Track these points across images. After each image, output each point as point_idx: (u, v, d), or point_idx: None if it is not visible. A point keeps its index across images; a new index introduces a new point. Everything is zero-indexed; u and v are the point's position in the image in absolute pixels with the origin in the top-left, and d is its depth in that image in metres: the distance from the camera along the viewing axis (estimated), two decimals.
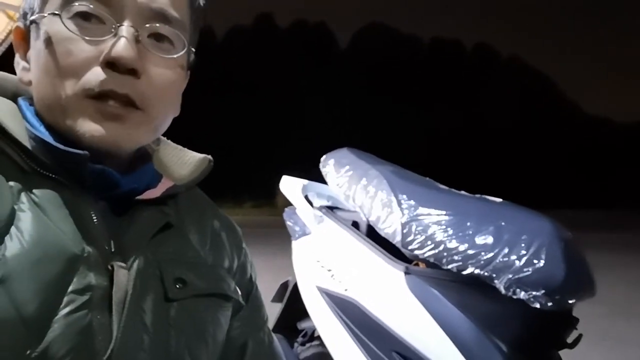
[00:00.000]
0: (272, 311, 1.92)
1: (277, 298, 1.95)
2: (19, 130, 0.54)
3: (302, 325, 1.85)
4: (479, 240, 1.24)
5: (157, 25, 0.56)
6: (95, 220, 0.53)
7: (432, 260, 1.30)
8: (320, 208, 1.72)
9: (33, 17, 0.56)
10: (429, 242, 1.30)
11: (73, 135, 0.54)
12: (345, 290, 1.46)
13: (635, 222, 17.77)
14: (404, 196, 1.43)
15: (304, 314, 1.68)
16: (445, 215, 1.33)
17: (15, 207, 0.49)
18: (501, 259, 1.19)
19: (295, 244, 1.73)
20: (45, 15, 0.54)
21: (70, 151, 0.52)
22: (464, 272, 1.23)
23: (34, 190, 0.51)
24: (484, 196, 1.49)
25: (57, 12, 0.53)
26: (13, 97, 0.61)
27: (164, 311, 0.54)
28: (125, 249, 0.53)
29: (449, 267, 1.26)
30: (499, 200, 1.45)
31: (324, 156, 1.78)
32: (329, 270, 1.53)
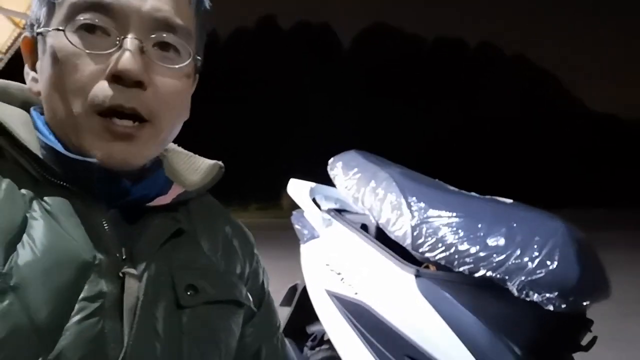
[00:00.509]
0: (281, 315, 1.91)
1: (286, 302, 1.94)
2: (30, 139, 0.55)
3: (312, 329, 1.84)
4: (491, 242, 1.23)
5: (163, 35, 0.56)
6: (106, 227, 0.53)
7: (443, 262, 1.29)
8: (329, 211, 1.71)
9: (39, 30, 0.56)
10: (440, 245, 1.29)
11: (83, 152, 0.54)
12: (355, 293, 1.45)
13: None
14: (414, 198, 1.42)
15: (313, 318, 1.67)
16: (455, 217, 1.32)
17: (28, 215, 0.50)
18: (513, 261, 1.18)
19: (303, 248, 1.73)
20: (50, 29, 0.54)
21: (80, 159, 0.53)
22: (476, 275, 1.22)
23: (45, 199, 0.51)
24: (494, 197, 1.48)
25: (61, 28, 0.53)
26: (24, 106, 0.61)
27: (176, 318, 0.54)
28: (136, 256, 0.53)
29: (461, 269, 1.25)
30: (509, 201, 1.44)
31: (332, 159, 1.77)
32: (339, 274, 1.53)
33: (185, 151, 0.70)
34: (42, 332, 0.45)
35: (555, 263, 1.16)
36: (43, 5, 0.56)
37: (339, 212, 1.70)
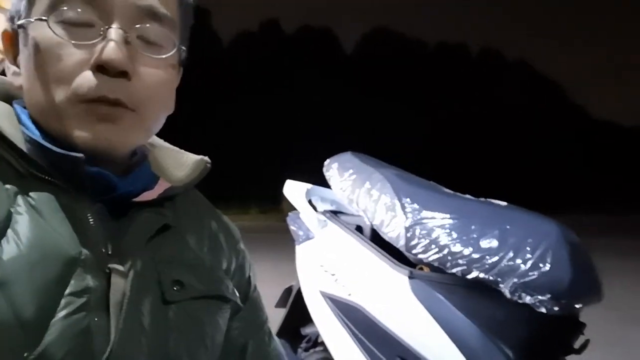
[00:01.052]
0: (276, 317, 1.91)
1: (281, 303, 1.94)
2: (14, 133, 0.54)
3: (306, 330, 1.84)
4: (484, 243, 1.23)
5: (147, 26, 0.55)
6: (92, 222, 0.52)
7: (436, 264, 1.29)
8: (324, 212, 1.71)
9: (20, 22, 0.56)
10: (433, 246, 1.29)
11: (67, 139, 0.54)
12: (349, 294, 1.45)
13: None
14: (408, 199, 1.42)
15: (307, 319, 1.67)
16: (449, 218, 1.32)
17: (12, 210, 0.49)
18: (506, 263, 1.18)
19: (298, 249, 1.73)
20: (32, 20, 0.54)
21: (65, 154, 0.52)
22: (469, 276, 1.22)
23: (30, 194, 0.51)
24: (489, 200, 1.48)
25: (44, 18, 0.53)
26: (6, 99, 0.61)
27: (162, 313, 0.54)
28: (122, 252, 0.53)
29: (454, 271, 1.25)
30: (504, 203, 1.44)
31: (328, 160, 1.78)
32: (333, 275, 1.52)
33: (171, 146, 0.70)
34: (27, 327, 0.45)
35: (548, 265, 1.16)
36: None
37: (335, 214, 1.70)
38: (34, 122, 0.57)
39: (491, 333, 1.19)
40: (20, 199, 0.50)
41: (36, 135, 0.55)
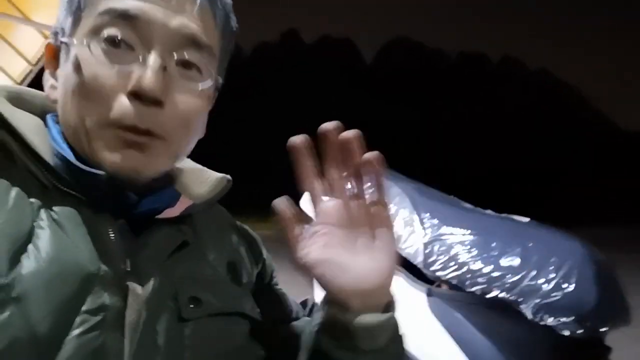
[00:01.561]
0: None
1: None
2: (42, 146, 0.55)
3: None
4: (505, 261, 1.20)
5: (187, 53, 0.56)
6: (112, 238, 0.53)
7: (455, 282, 1.26)
8: None
9: (64, 40, 0.57)
10: (452, 263, 1.26)
11: (94, 159, 0.54)
12: None
13: None
14: (427, 215, 1.40)
15: None
16: (469, 235, 1.29)
17: (35, 224, 0.50)
18: (528, 282, 1.15)
19: None
20: (75, 42, 0.55)
21: (89, 171, 0.53)
22: (489, 295, 1.19)
23: (53, 207, 0.52)
24: (510, 216, 1.44)
25: (85, 42, 0.54)
26: (42, 113, 0.62)
27: (178, 331, 0.53)
28: (141, 268, 0.53)
29: (473, 289, 1.22)
30: (526, 219, 1.41)
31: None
32: None
33: (193, 163, 0.70)
34: (41, 345, 0.45)
35: (573, 286, 1.12)
36: (69, 15, 0.57)
37: None
38: (64, 136, 0.58)
39: (511, 355, 1.15)
40: (43, 213, 0.51)
41: (63, 149, 0.56)
